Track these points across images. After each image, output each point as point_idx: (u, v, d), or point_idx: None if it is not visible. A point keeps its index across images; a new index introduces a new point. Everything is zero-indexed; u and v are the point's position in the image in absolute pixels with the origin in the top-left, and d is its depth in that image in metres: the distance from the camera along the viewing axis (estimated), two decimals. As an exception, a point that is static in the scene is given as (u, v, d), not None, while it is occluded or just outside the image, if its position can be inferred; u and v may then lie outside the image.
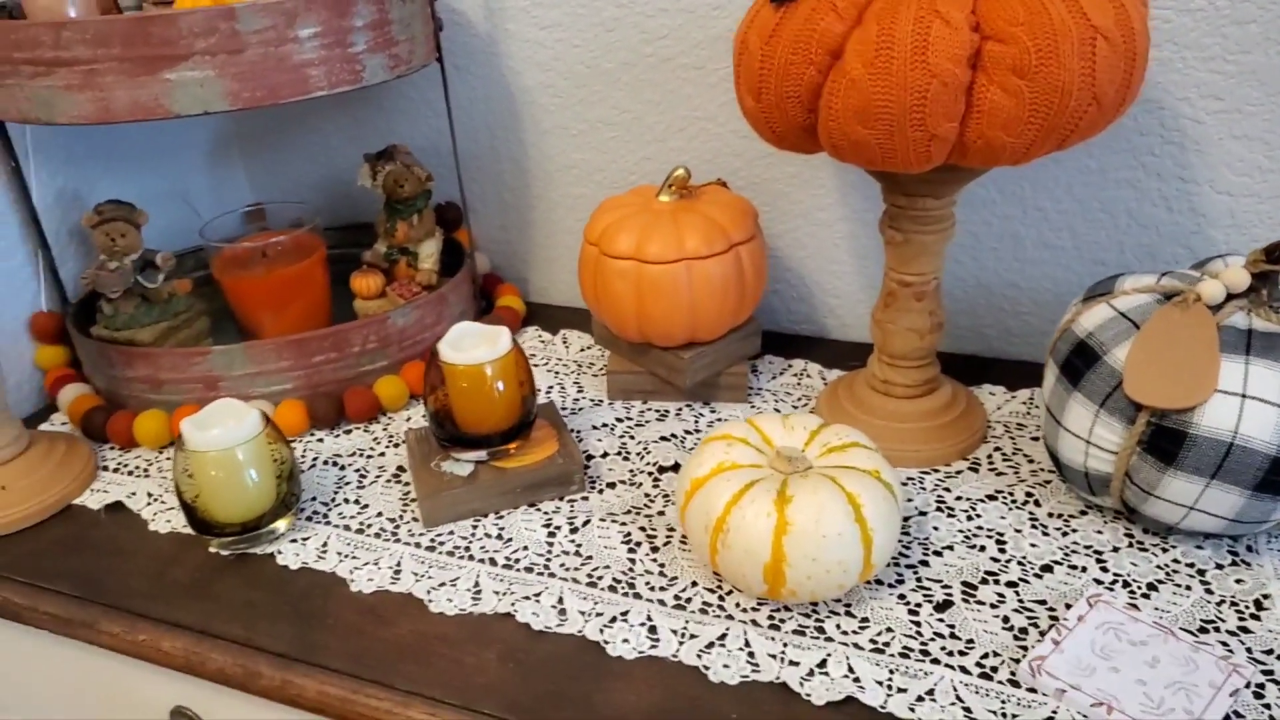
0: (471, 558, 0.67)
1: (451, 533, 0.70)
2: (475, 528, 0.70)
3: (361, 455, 0.79)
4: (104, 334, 0.87)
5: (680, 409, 0.83)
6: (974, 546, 0.66)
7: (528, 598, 0.63)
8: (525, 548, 0.68)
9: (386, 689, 0.58)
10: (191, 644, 0.62)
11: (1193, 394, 0.57)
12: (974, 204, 0.85)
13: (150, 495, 0.76)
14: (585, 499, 0.73)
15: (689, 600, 0.63)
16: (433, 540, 0.69)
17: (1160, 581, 0.62)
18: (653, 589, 0.64)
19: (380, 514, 0.72)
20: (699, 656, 0.58)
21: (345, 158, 1.10)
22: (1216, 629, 0.58)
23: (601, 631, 0.60)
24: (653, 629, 0.61)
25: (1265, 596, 0.60)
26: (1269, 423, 0.56)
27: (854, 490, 0.59)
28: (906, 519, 0.68)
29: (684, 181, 0.80)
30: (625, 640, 0.60)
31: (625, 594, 0.63)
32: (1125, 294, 0.65)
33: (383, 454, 0.79)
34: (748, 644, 0.59)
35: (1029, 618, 0.60)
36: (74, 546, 0.71)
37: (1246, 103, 0.74)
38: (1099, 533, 0.66)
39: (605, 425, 0.82)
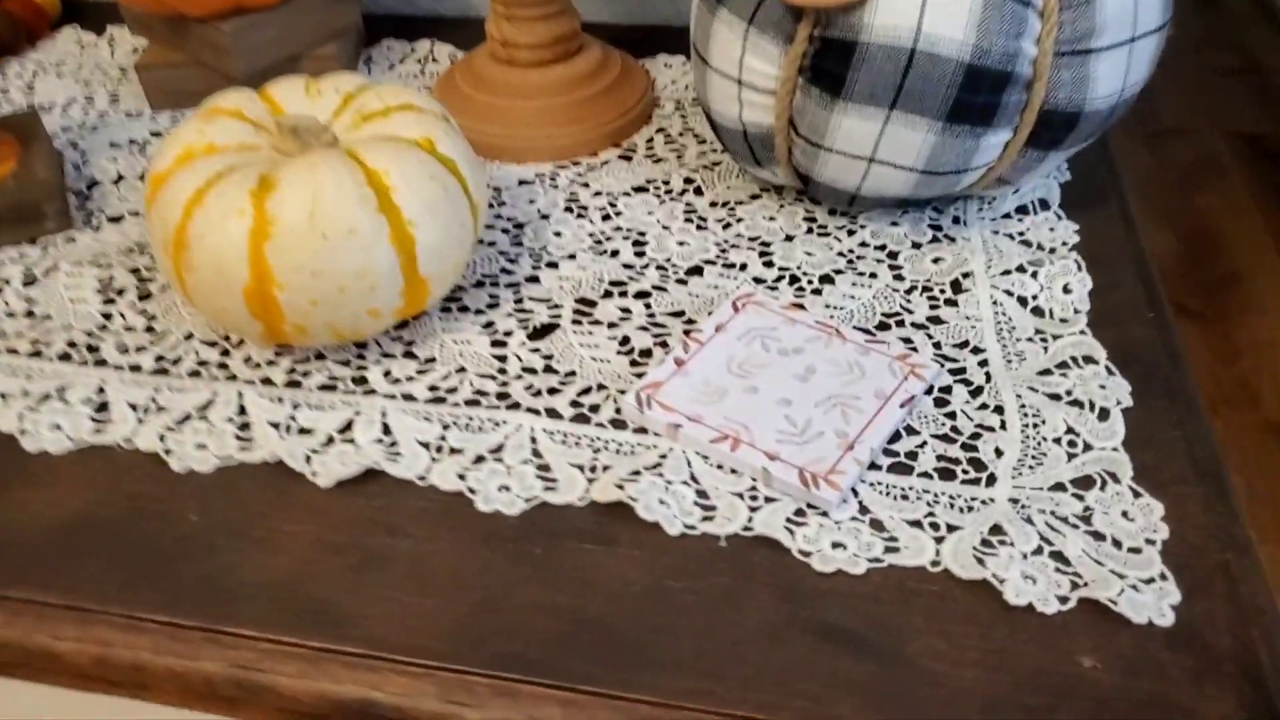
0: None
1: None
2: (-126, 293, 0.46)
3: None
4: None
5: (262, 119, 0.60)
6: (604, 252, 0.47)
7: (-87, 384, 0.41)
8: (-58, 313, 0.45)
9: None
10: None
11: (863, -20, 0.39)
12: None
13: None
14: (72, 240, 0.50)
15: (177, 361, 0.42)
16: None
17: (839, 272, 0.45)
18: (125, 351, 0.43)
19: None
20: (163, 438, 0.39)
21: None
22: (900, 323, 0.43)
23: (24, 421, 0.40)
24: (103, 407, 0.40)
25: (965, 275, 0.45)
26: (962, 11, 0.38)
27: (379, 166, 0.39)
28: (520, 226, 0.49)
29: None
30: (56, 427, 0.39)
31: (81, 363, 0.42)
32: None
33: None
34: (242, 412, 0.40)
35: (657, 336, 0.43)
36: None
37: None
38: (771, 219, 0.49)
39: (133, 141, 0.57)
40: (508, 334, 0.43)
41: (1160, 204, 2.28)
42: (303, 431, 0.39)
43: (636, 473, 0.36)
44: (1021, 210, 0.48)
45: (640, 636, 0.32)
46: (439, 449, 0.38)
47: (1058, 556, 0.33)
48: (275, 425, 0.39)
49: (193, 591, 0.34)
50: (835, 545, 0.34)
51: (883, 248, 0.47)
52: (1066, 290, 0.43)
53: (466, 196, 0.41)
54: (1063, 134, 0.42)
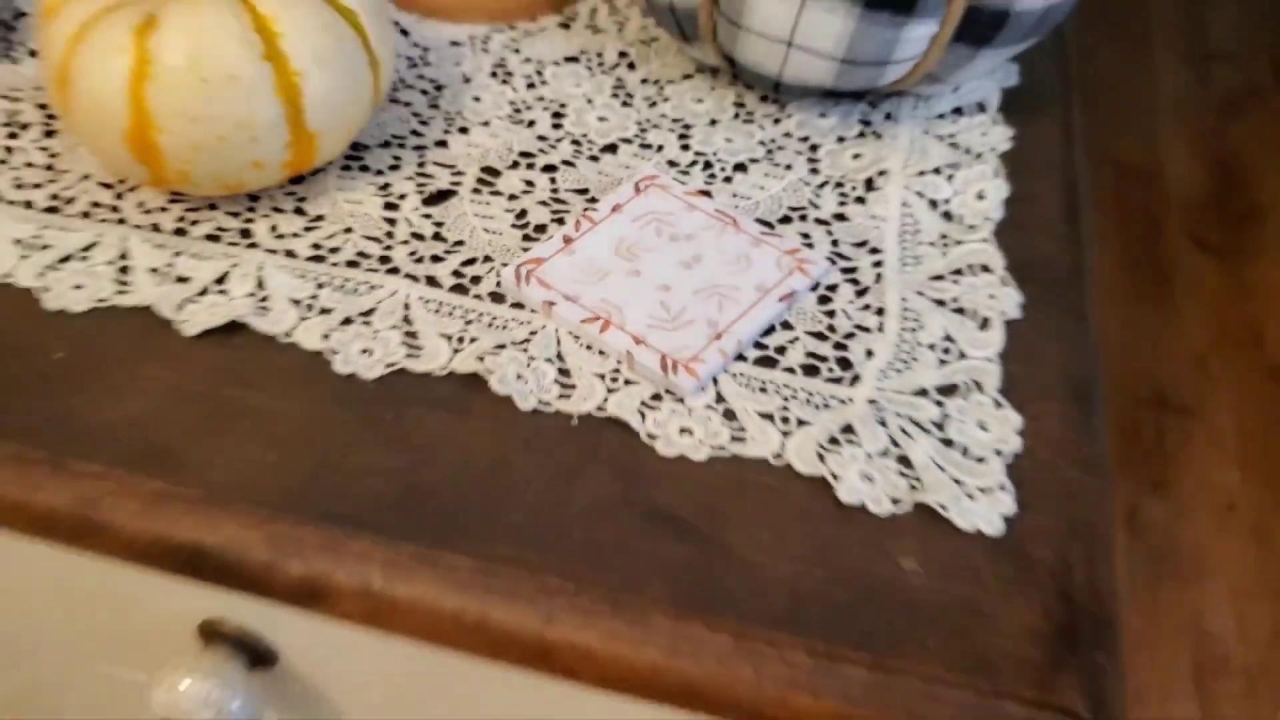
0: None
1: None
2: None
3: None
4: None
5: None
6: (521, 121, 0.46)
7: None
8: None
9: None
10: None
11: None
12: None
13: None
14: (-13, 69, 0.49)
15: (71, 200, 0.42)
16: None
17: (755, 161, 0.44)
18: (20, 187, 0.42)
19: None
20: (43, 276, 0.39)
21: None
22: (803, 218, 0.42)
23: (-95, 246, 0.40)
24: (-14, 240, 0.40)
25: (882, 174, 0.43)
26: (888, -112, 0.36)
27: (267, 11, 0.37)
28: (440, 88, 0.48)
29: None
30: (-66, 256, 0.39)
31: (-28, 193, 0.42)
32: None
33: None
34: (125, 256, 0.39)
35: (556, 212, 0.42)
36: None
37: None
38: (699, 101, 0.47)
39: (67, -26, 0.56)
40: (402, 197, 0.42)
41: (1194, 130, 2.19)
42: (180, 280, 0.38)
43: (501, 346, 0.36)
44: (958, 112, 0.46)
45: (472, 504, 0.32)
46: (309, 308, 0.37)
47: (903, 460, 0.33)
48: (154, 271, 0.39)
49: (45, 426, 0.34)
50: (683, 431, 0.33)
51: (805, 139, 0.45)
52: (980, 196, 0.42)
53: (366, 51, 0.40)
54: (991, 31, 0.40)
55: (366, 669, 0.38)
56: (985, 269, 0.39)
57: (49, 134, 0.45)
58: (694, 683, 0.29)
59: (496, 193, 0.42)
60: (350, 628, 0.33)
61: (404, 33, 0.50)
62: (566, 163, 0.44)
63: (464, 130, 0.45)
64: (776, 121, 0.46)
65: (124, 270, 0.39)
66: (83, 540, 0.33)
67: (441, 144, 0.45)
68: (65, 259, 0.39)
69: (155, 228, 0.41)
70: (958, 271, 0.39)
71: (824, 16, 0.38)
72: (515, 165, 0.44)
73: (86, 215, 0.41)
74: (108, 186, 0.42)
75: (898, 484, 0.32)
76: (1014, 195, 0.42)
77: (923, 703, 0.28)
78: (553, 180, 0.43)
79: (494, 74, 0.48)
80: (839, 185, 0.43)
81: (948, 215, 0.41)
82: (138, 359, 0.36)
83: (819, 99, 0.46)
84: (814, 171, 0.43)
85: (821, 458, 0.33)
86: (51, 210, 0.41)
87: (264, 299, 0.38)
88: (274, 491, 0.32)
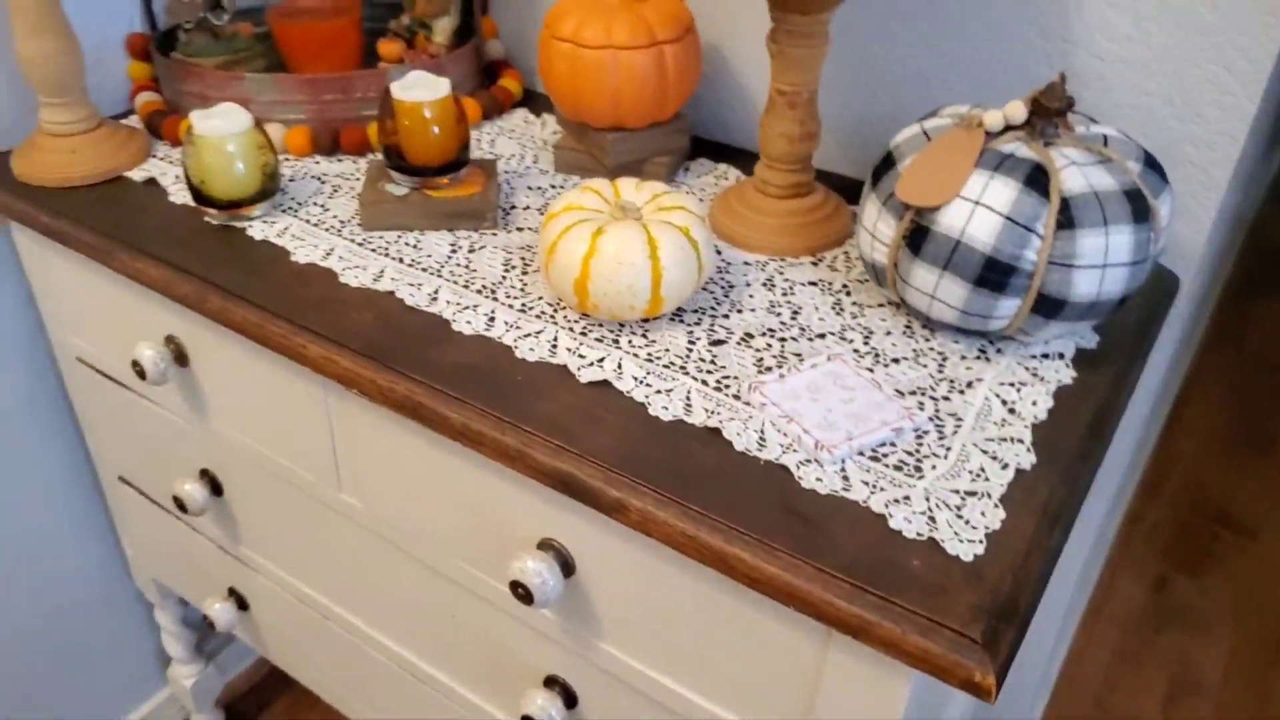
0: (387, 255, 0.86)
1: (382, 238, 0.88)
2: (399, 237, 0.88)
3: (343, 178, 0.98)
4: (177, 57, 1.08)
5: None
6: (773, 312, 0.79)
7: (412, 285, 0.81)
8: (429, 255, 0.86)
9: (288, 323, 0.78)
10: (170, 275, 0.84)
11: (939, 196, 0.68)
12: (886, 40, 0.94)
13: (177, 177, 0.97)
14: (495, 234, 0.89)
15: (530, 308, 0.79)
16: (365, 240, 0.88)
17: (905, 358, 0.74)
18: (508, 296, 0.81)
19: (336, 217, 0.91)
20: (515, 341, 0.75)
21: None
22: (923, 393, 0.71)
23: (454, 315, 0.78)
24: (491, 319, 0.78)
25: (979, 380, 0.72)
26: (990, 227, 0.66)
27: (656, 235, 0.73)
28: (732, 286, 0.82)
29: (636, -16, 0.92)
30: (468, 322, 0.77)
31: (486, 296, 0.81)
32: (938, 117, 0.74)
33: (360, 178, 0.98)
34: (555, 339, 0.76)
35: (779, 362, 0.74)
36: (114, 203, 0.94)
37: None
38: (882, 320, 0.78)
39: (539, 188, 0.97)
40: (697, 339, 0.76)
41: None
42: (580, 355, 0.74)
43: (733, 419, 0.67)
44: (1045, 355, 0.74)
45: (702, 487, 0.63)
46: (641, 381, 0.71)
47: (931, 518, 0.60)
48: (569, 349, 0.74)
49: (511, 408, 0.69)
50: (817, 479, 0.63)
51: (940, 353, 0.74)
52: (1034, 404, 0.69)
53: (699, 262, 0.75)
54: (1055, 311, 0.68)
55: (623, 578, 0.69)
56: (1019, 440, 0.66)
57: (524, 272, 0.84)
58: (794, 588, 0.57)
59: (750, 347, 0.75)
60: (621, 549, 0.64)
61: (718, 251, 0.86)
62: (793, 338, 0.76)
63: (739, 311, 0.79)
64: (927, 339, 0.76)
65: (554, 345, 0.75)
66: (515, 463, 0.67)
67: (725, 316, 0.78)
68: (526, 335, 0.76)
69: (570, 329, 0.77)
70: (1002, 439, 0.66)
71: (951, 286, 0.69)
72: (763, 335, 0.76)
73: (539, 316, 0.78)
74: (550, 304, 0.80)
75: (923, 526, 0.60)
76: (1056, 407, 0.69)
77: (903, 621, 0.55)
78: (782, 346, 0.75)
79: (764, 284, 0.82)
80: (951, 381, 0.72)
81: (1011, 410, 0.69)
82: (555, 387, 0.71)
83: (955, 331, 0.76)
84: (940, 370, 0.73)
85: (887, 505, 0.61)
86: (522, 311, 0.79)
87: (620, 373, 0.72)
88: (608, 456, 0.65)
